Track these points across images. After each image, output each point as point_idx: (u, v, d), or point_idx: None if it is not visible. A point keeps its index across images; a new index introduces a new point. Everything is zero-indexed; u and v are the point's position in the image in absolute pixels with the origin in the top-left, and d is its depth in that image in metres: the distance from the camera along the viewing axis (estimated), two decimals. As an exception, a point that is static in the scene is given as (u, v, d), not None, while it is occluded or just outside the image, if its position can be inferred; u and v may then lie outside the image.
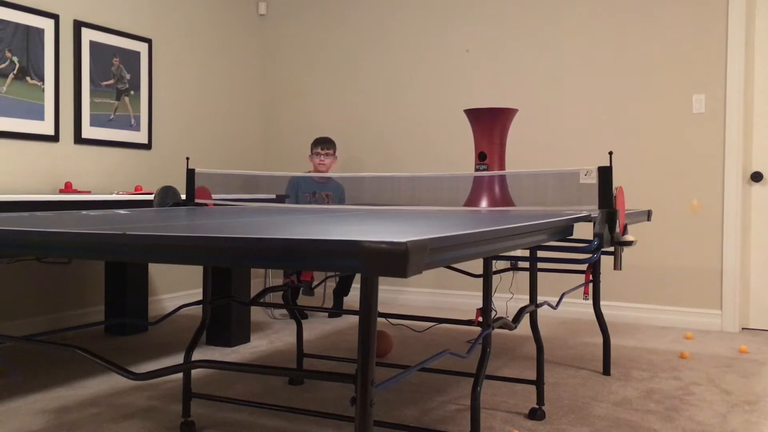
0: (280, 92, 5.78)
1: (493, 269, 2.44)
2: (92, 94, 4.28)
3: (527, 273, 4.02)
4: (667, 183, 4.47)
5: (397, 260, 1.14)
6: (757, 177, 4.30)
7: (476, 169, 3.13)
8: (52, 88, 4.03)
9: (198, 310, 4.76)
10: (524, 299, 4.68)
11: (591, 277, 3.09)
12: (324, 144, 4.81)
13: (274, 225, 1.77)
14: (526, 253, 3.47)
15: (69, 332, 3.99)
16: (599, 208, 2.40)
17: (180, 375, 3.11)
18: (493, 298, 2.52)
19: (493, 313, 2.41)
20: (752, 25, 4.30)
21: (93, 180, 4.29)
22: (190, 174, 3.11)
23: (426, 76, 5.21)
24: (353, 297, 5.01)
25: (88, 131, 4.25)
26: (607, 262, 4.38)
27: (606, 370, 3.29)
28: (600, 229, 2.30)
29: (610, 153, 2.44)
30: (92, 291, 4.32)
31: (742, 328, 4.36)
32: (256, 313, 4.76)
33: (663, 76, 4.48)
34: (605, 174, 2.41)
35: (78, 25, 4.18)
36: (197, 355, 3.53)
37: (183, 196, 3.14)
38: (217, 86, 5.31)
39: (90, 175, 4.28)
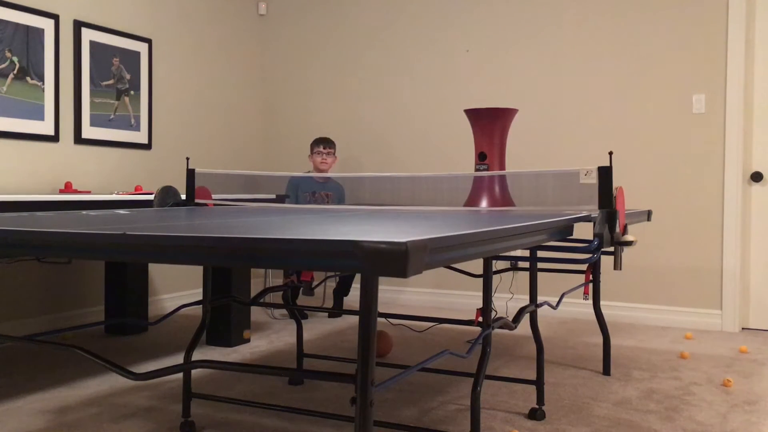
0: (280, 92, 5.78)
1: (493, 269, 2.44)
2: (92, 94, 4.28)
3: (527, 273, 4.02)
4: (667, 183, 4.47)
5: (397, 260, 1.14)
6: (757, 177, 4.30)
7: (476, 169, 3.13)
8: (52, 88, 4.03)
9: (198, 310, 4.76)
10: (524, 299, 4.68)
11: (591, 277, 3.09)
12: (326, 143, 4.83)
13: (274, 225, 1.76)
14: (526, 253, 3.47)
15: (69, 332, 3.99)
16: (599, 208, 2.40)
17: (180, 375, 3.11)
18: (493, 298, 2.52)
19: (493, 313, 2.41)
20: (752, 25, 4.30)
21: (93, 180, 4.29)
22: (190, 174, 3.11)
23: (426, 76, 5.21)
24: (353, 297, 5.01)
25: (88, 131, 4.25)
26: (607, 262, 4.38)
27: (606, 370, 3.29)
28: (600, 229, 2.30)
29: (610, 153, 2.44)
30: (92, 291, 4.32)
31: (742, 328, 4.36)
32: (256, 313, 4.75)
33: (663, 76, 4.48)
34: (605, 174, 2.41)
35: (78, 25, 4.18)
36: (197, 355, 3.54)
37: (183, 196, 3.14)
38: (217, 86, 5.31)
39: (90, 175, 4.28)
